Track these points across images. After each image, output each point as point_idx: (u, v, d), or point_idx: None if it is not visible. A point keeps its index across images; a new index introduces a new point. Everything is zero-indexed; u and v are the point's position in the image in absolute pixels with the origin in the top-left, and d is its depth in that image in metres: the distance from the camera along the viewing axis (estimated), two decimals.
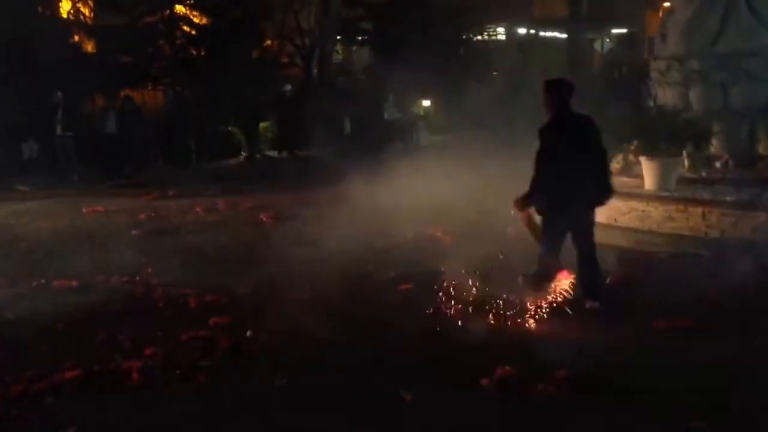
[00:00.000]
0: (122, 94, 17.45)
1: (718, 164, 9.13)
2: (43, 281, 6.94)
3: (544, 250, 5.89)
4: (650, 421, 3.95)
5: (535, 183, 5.75)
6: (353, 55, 27.57)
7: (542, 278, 5.90)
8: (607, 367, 4.61)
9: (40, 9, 17.70)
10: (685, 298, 5.97)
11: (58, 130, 15.70)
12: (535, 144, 5.82)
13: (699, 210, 7.80)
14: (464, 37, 23.75)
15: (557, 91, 5.84)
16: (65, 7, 18.75)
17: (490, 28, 26.72)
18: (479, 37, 25.47)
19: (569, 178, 5.59)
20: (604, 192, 5.86)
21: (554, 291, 5.80)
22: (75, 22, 18.80)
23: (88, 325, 5.64)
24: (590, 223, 5.92)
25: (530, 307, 5.68)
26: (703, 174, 8.93)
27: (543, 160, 5.71)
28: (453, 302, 5.96)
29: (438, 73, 18.61)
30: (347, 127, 19.60)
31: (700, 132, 8.74)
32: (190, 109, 18.19)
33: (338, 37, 24.80)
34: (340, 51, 26.69)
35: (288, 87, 19.43)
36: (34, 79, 14.78)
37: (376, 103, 20.08)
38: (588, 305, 5.79)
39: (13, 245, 8.81)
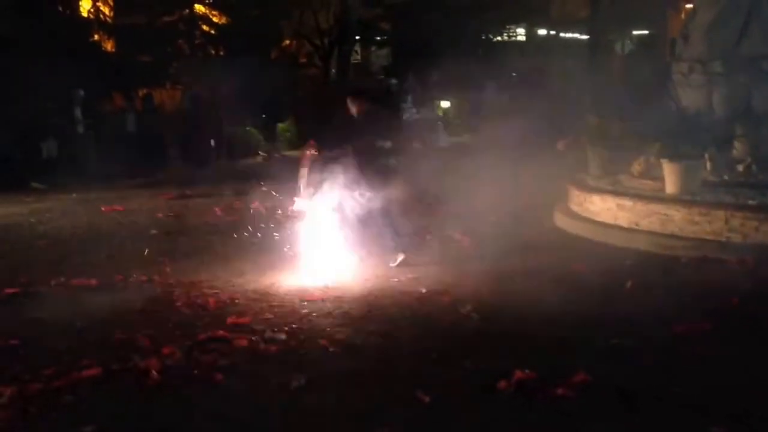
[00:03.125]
0: (141, 93, 17.57)
1: (740, 167, 9.03)
2: (62, 279, 6.96)
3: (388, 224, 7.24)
4: (670, 427, 3.93)
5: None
6: (372, 56, 27.59)
7: (410, 245, 7.29)
8: (625, 371, 4.58)
9: (60, 8, 17.85)
10: (707, 302, 5.93)
11: (80, 128, 15.81)
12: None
13: (721, 214, 7.73)
14: (483, 37, 23.71)
15: (358, 100, 7.43)
16: (85, 6, 18.91)
17: (509, 28, 26.62)
18: (499, 38, 25.41)
19: (375, 164, 7.08)
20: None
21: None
22: (95, 21, 18.95)
23: (106, 324, 5.65)
24: (395, 200, 7.25)
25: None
26: (726, 177, 8.84)
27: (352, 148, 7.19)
28: (465, 302, 5.94)
29: (457, 73, 18.60)
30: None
31: (722, 135, 8.68)
32: (208, 109, 18.28)
33: (357, 38, 24.82)
34: (358, 51, 26.71)
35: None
36: (54, 78, 14.89)
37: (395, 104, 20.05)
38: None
39: (33, 244, 8.89)
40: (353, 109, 7.44)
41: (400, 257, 7.24)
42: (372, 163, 7.11)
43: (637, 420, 3.98)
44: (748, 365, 4.67)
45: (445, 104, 19.79)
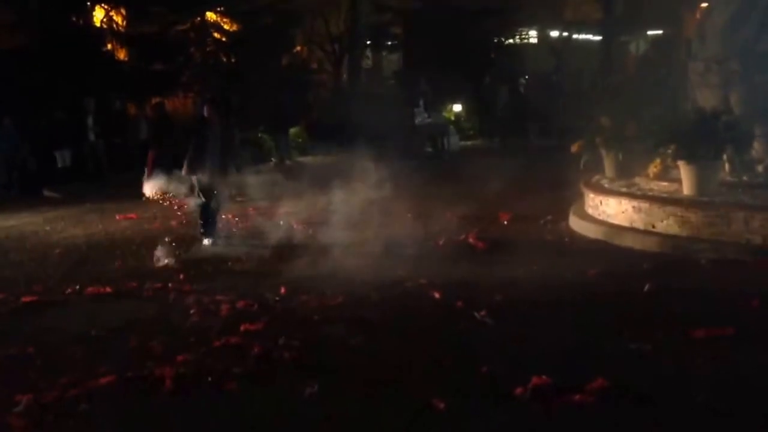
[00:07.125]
0: (153, 101, 17.65)
1: (760, 168, 8.94)
2: (77, 288, 6.99)
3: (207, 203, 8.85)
4: None
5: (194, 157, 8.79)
6: (383, 61, 27.61)
7: (210, 227, 8.84)
8: (645, 377, 4.51)
9: (73, 18, 17.98)
10: (726, 306, 5.87)
11: (91, 137, 15.88)
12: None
13: (740, 215, 7.64)
14: (495, 40, 23.66)
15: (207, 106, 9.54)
16: (98, 17, 19.03)
17: (521, 30, 26.56)
18: (511, 41, 25.36)
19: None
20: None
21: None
22: (108, 30, 19.08)
23: (121, 332, 5.67)
24: (216, 184, 8.85)
25: None
26: (745, 178, 8.76)
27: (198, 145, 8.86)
28: (479, 307, 5.88)
29: (469, 77, 18.57)
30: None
31: (740, 135, 8.58)
32: (220, 116, 18.33)
33: (368, 43, 24.86)
34: (369, 56, 26.75)
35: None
36: (69, 87, 15.01)
37: (407, 108, 20.06)
38: (206, 242, 8.79)
39: (48, 252, 8.93)
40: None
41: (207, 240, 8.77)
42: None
43: (658, 426, 3.91)
44: None
45: (456, 108, 19.75)
